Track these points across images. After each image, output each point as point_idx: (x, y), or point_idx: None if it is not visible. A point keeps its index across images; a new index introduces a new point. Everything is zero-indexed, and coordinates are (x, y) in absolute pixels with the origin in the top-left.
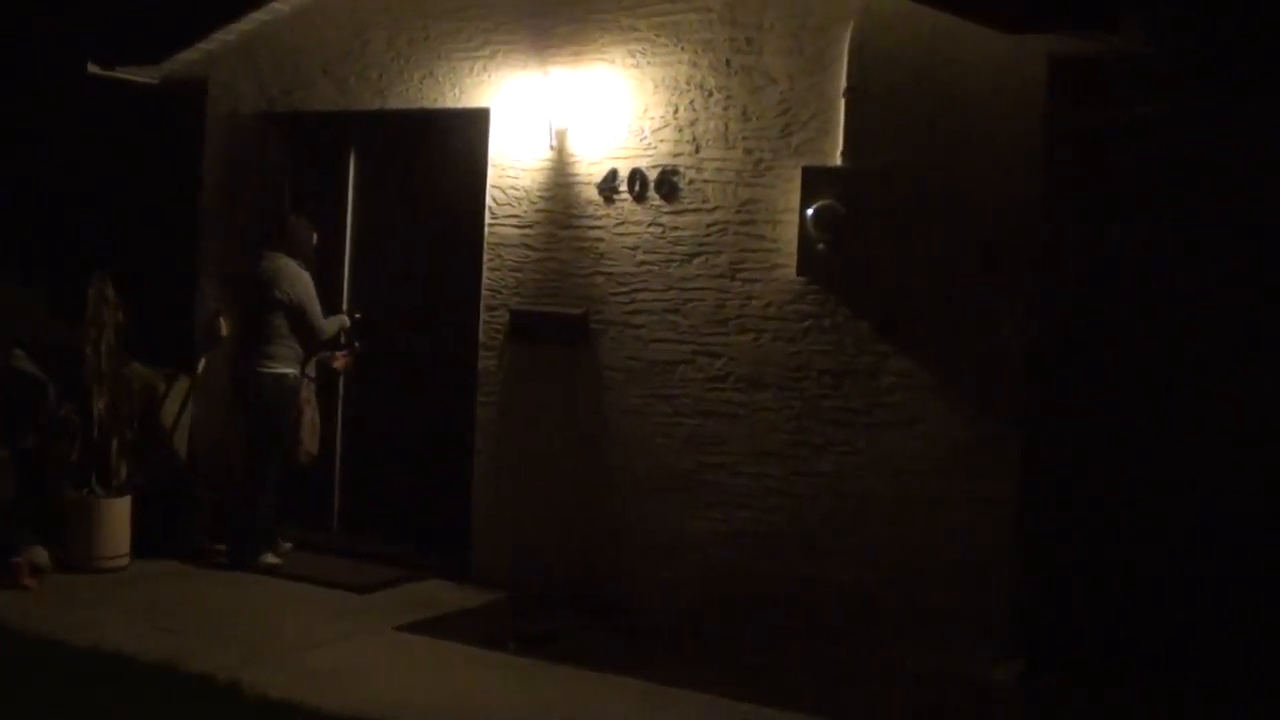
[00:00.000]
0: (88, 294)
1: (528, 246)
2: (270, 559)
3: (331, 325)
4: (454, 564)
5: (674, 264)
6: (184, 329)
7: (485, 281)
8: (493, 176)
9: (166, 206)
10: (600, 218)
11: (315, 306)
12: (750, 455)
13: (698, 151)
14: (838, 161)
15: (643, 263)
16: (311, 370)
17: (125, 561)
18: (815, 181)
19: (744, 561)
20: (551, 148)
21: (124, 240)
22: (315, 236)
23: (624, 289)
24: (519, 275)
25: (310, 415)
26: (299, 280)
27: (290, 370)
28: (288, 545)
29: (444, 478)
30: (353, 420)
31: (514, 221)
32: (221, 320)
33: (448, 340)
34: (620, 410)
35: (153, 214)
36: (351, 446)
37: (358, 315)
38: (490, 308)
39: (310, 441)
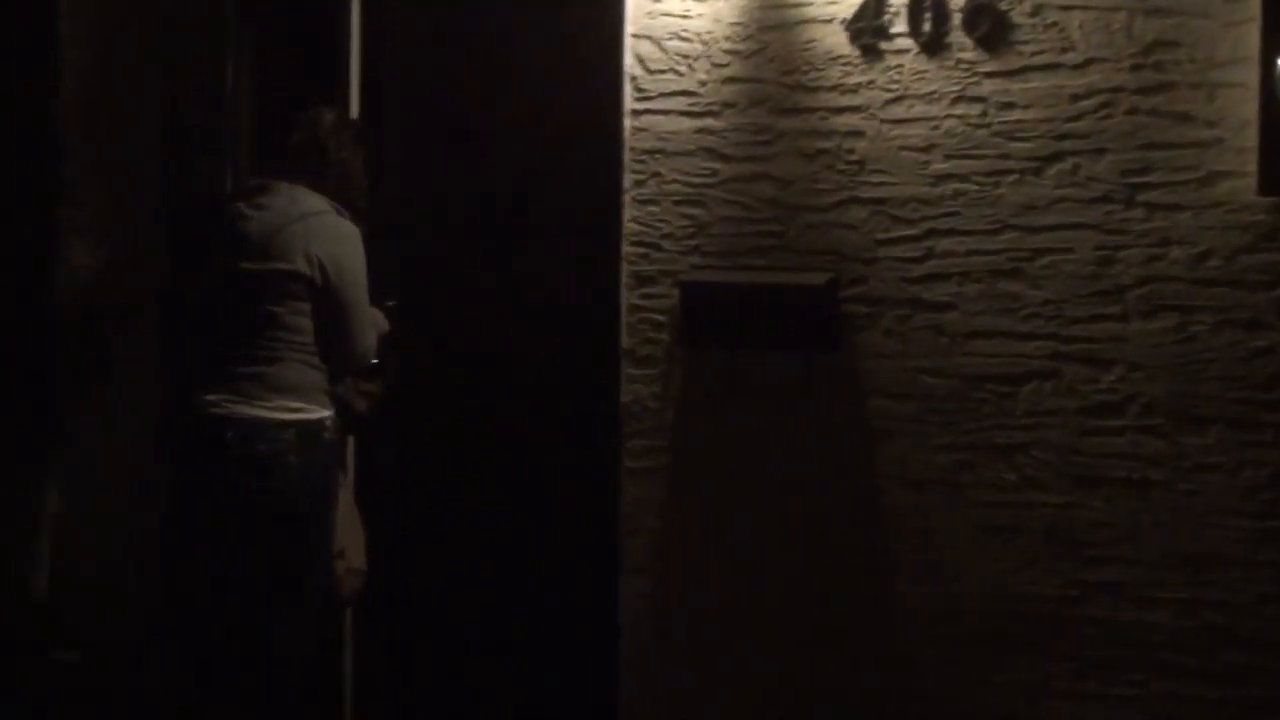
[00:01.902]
0: None
1: (713, 153)
2: None
3: (373, 334)
4: None
5: (1008, 178)
6: (32, 341)
7: (629, 228)
8: (636, 18)
9: None
10: (855, 89)
11: (366, 295)
12: (1177, 563)
13: None
14: None
15: (945, 177)
16: None
17: None
18: None
19: None
20: None
21: None
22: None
23: (909, 232)
24: (696, 212)
25: (346, 500)
26: (344, 239)
27: (325, 414)
28: None
29: (558, 618)
30: (375, 513)
31: (683, 105)
32: (113, 321)
33: (553, 348)
34: (905, 477)
35: None
36: (374, 564)
37: (390, 303)
38: (640, 278)
39: (355, 551)
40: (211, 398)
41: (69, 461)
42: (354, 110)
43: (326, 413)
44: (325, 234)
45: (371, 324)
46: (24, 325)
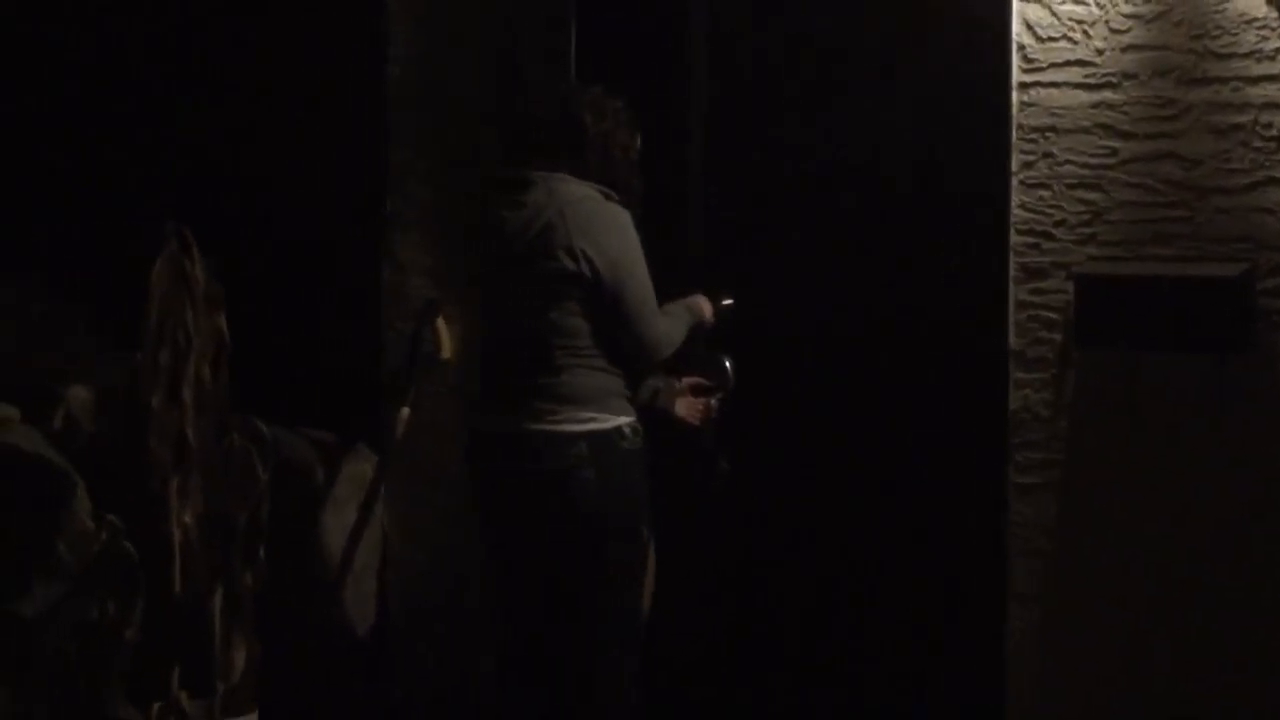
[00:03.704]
0: (150, 277)
1: (1111, 129)
2: None
3: (677, 323)
4: None
5: None
6: (357, 347)
7: (1017, 215)
8: None
9: (303, 92)
10: (1273, 56)
11: (646, 282)
12: None
13: None
14: None
15: None
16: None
17: None
18: None
19: None
20: None
21: (219, 169)
22: (638, 138)
23: None
24: (1092, 196)
25: None
26: (610, 225)
27: (621, 420)
28: None
29: (937, 651)
30: (707, 536)
31: (1078, 76)
32: (441, 324)
33: (931, 348)
34: None
35: (274, 112)
36: (680, 603)
37: (727, 302)
38: (1030, 271)
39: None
40: (492, 414)
41: (394, 470)
42: (701, 90)
43: (623, 419)
44: (587, 224)
45: (673, 314)
46: (348, 327)
